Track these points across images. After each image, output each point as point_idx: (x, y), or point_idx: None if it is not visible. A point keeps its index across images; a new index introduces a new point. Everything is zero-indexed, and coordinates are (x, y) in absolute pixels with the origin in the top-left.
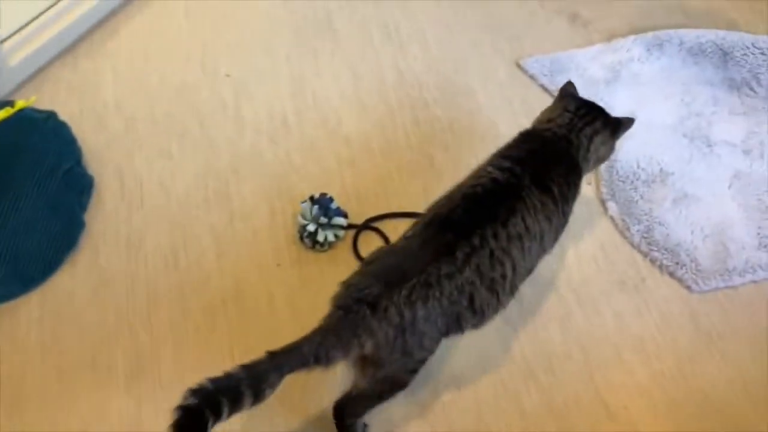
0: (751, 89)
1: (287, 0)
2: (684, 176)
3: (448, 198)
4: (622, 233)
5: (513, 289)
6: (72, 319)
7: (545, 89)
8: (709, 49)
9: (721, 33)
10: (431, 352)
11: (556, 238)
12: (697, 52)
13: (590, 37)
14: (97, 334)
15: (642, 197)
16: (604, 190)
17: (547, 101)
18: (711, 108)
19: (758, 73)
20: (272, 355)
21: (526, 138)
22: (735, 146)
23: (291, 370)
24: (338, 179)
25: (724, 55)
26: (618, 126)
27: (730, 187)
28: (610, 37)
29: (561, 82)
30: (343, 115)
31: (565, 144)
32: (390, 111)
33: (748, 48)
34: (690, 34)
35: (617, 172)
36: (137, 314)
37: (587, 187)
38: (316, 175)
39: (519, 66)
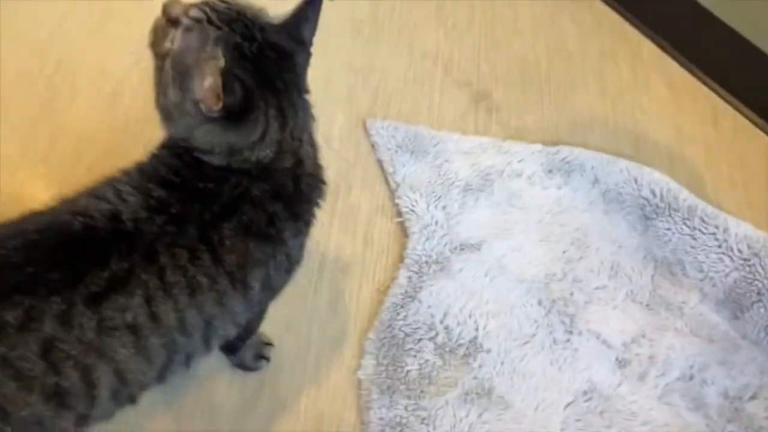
0: (672, 273)
1: None
2: (503, 375)
3: None
4: None
5: None
6: None
7: (381, 166)
8: (628, 204)
9: (652, 188)
10: None
11: None
12: (612, 199)
13: (487, 127)
14: None
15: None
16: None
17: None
18: (602, 280)
19: (682, 258)
20: None
21: None
22: (608, 347)
23: None
24: None
25: (645, 220)
26: None
27: (566, 406)
28: (512, 136)
29: (406, 165)
30: None
31: None
32: None
33: (676, 223)
34: (611, 177)
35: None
36: None
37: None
38: None
39: (364, 126)
